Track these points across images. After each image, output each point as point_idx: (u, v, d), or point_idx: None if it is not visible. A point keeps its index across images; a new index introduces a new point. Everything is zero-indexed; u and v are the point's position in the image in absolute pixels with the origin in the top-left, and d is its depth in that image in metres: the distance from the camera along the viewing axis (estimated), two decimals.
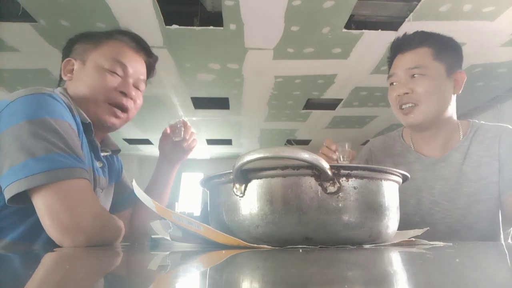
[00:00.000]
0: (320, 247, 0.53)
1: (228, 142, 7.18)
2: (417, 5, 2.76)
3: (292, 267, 0.38)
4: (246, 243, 0.54)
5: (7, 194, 0.65)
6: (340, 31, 3.10)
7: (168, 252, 0.57)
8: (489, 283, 0.29)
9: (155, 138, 6.40)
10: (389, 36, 3.15)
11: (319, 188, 0.52)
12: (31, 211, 0.68)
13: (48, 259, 0.51)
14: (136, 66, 0.95)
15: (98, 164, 0.90)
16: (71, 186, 0.68)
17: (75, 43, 0.95)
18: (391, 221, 0.57)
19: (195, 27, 3.05)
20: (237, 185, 0.56)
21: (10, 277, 0.35)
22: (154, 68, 1.04)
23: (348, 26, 3.05)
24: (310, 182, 0.52)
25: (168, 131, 1.10)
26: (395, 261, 0.44)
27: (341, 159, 1.06)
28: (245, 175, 0.55)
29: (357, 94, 4.58)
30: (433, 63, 1.04)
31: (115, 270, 0.41)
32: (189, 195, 8.52)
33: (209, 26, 3.04)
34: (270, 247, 0.54)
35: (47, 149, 0.67)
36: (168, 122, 1.09)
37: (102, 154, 0.93)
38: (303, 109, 5.16)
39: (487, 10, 2.80)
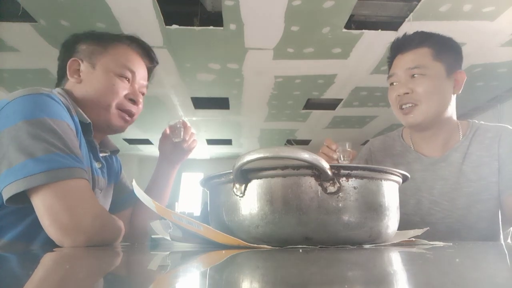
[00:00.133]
0: (320, 247, 0.53)
1: (228, 142, 7.18)
2: (417, 5, 2.76)
3: (292, 267, 0.38)
4: (246, 243, 0.54)
5: (6, 195, 0.65)
6: (340, 31, 3.10)
7: (168, 252, 0.57)
8: (489, 283, 0.29)
9: (155, 138, 6.40)
10: (389, 36, 3.15)
11: (319, 188, 0.52)
12: (30, 210, 0.68)
13: (47, 259, 0.51)
14: (142, 72, 0.97)
15: (97, 165, 0.90)
16: (70, 186, 0.67)
17: (78, 42, 0.94)
18: (391, 221, 0.57)
19: (195, 27, 3.05)
20: (237, 185, 0.56)
21: (10, 277, 0.35)
22: (152, 72, 1.05)
23: (348, 26, 3.05)
24: (310, 182, 0.52)
25: (168, 131, 1.10)
26: (395, 261, 0.44)
27: (342, 159, 1.06)
28: (245, 175, 0.55)
29: (357, 94, 4.58)
30: (433, 63, 1.04)
31: (115, 270, 0.41)
32: (189, 195, 8.52)
33: (209, 26, 3.04)
34: (270, 247, 0.54)
35: (46, 149, 0.67)
36: (168, 122, 1.09)
37: (101, 154, 0.93)
38: (303, 109, 5.16)
39: (487, 10, 2.80)
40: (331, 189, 0.52)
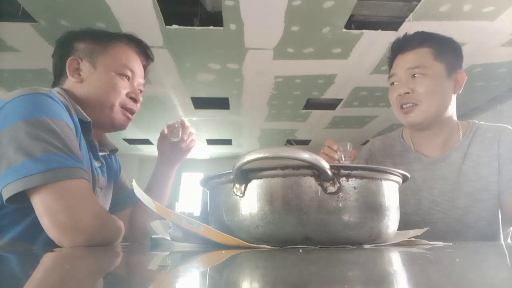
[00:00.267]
0: (320, 247, 0.53)
1: (228, 142, 7.18)
2: (417, 5, 2.76)
3: (292, 267, 0.38)
4: (246, 243, 0.54)
5: (5, 194, 0.65)
6: (340, 31, 3.10)
7: (168, 252, 0.57)
8: (489, 283, 0.29)
9: (155, 138, 6.37)
10: (389, 36, 3.15)
11: (319, 188, 0.52)
12: (30, 210, 0.68)
13: (47, 259, 0.51)
14: (140, 70, 0.98)
15: (96, 164, 0.90)
16: (70, 186, 0.67)
17: (76, 40, 0.93)
18: (391, 221, 0.57)
19: (195, 27, 3.05)
20: (237, 185, 0.56)
21: (10, 277, 0.35)
22: (147, 69, 1.06)
23: (348, 26, 3.05)
24: (310, 182, 0.52)
25: (166, 131, 1.10)
26: (395, 261, 0.43)
27: (343, 159, 1.06)
28: (245, 175, 0.55)
29: (357, 94, 4.58)
30: (434, 63, 1.04)
31: (115, 270, 0.41)
32: (189, 195, 8.52)
33: (209, 26, 3.04)
34: (270, 247, 0.54)
35: (46, 149, 0.67)
36: (166, 122, 1.09)
37: (100, 153, 0.93)
38: (303, 109, 5.16)
39: (487, 10, 2.80)
40: (331, 189, 0.52)
